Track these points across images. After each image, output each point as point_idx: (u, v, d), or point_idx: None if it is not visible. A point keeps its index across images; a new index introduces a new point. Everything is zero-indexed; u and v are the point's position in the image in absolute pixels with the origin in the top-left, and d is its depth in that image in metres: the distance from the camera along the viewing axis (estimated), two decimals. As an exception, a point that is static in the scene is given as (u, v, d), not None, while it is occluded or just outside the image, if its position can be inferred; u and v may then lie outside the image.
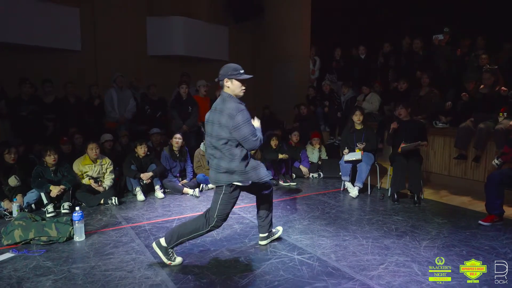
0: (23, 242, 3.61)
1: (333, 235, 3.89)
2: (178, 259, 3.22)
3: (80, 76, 7.72)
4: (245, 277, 2.96)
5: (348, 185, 5.63)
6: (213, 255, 3.40)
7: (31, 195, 4.74)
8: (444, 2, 8.96)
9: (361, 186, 5.49)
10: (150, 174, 5.47)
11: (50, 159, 4.83)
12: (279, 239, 3.73)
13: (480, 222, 4.18)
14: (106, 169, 5.35)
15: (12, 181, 4.67)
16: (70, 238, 3.75)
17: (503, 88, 5.52)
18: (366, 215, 4.58)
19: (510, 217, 4.30)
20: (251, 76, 3.17)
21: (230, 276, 3.00)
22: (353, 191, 5.43)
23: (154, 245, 3.22)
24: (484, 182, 4.36)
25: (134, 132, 6.85)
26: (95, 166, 5.26)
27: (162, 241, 3.17)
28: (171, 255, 3.17)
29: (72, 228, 3.77)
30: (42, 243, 3.62)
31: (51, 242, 3.65)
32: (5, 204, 4.54)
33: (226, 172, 3.07)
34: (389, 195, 5.29)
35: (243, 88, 3.12)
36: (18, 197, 4.61)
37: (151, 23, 8.90)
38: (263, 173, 3.30)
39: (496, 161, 4.45)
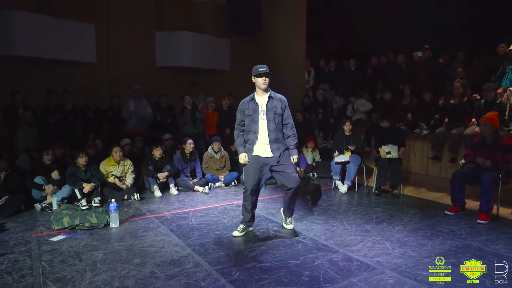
0: (70, 227, 4.40)
1: (323, 222, 4.71)
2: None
3: (95, 85, 8.50)
4: (253, 251, 3.77)
5: (338, 183, 6.45)
6: (226, 237, 4.21)
7: (65, 191, 5.52)
8: (427, 19, 9.86)
9: (350, 184, 6.32)
10: (166, 174, 6.27)
11: (82, 160, 5.62)
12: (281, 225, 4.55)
13: (446, 212, 5.03)
14: (127, 170, 6.14)
15: (55, 174, 5.53)
16: (107, 224, 4.55)
17: (474, 95, 6.44)
18: (352, 207, 5.40)
19: (470, 208, 5.13)
20: (264, 70, 3.94)
21: (241, 250, 3.81)
22: (343, 188, 6.26)
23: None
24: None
25: (148, 138, 7.62)
26: (118, 167, 6.05)
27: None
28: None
29: (109, 216, 4.58)
30: (85, 228, 4.42)
31: (92, 227, 4.44)
32: (47, 188, 5.36)
33: None
34: (373, 190, 6.11)
35: (262, 81, 3.98)
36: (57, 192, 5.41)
37: (160, 37, 9.72)
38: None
39: (462, 161, 5.29)
